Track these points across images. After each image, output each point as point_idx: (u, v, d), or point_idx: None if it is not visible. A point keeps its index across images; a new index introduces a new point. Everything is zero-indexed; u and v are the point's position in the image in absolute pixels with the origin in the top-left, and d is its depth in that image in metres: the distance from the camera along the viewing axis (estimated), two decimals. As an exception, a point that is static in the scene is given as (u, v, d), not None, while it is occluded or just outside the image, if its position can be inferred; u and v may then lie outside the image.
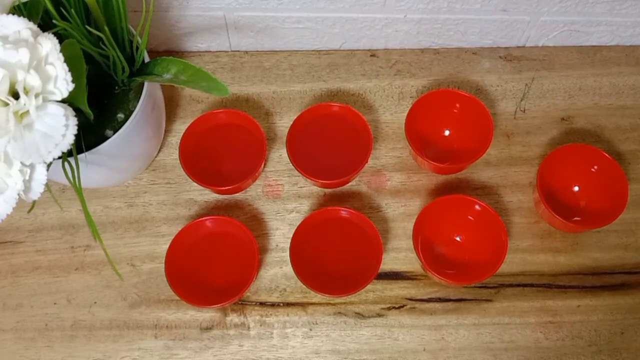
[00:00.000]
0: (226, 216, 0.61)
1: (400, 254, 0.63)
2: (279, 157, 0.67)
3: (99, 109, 0.56)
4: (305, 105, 0.70)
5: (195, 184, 0.63)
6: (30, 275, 0.62)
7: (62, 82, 0.42)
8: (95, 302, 0.61)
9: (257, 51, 0.73)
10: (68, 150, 0.43)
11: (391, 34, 0.71)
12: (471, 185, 0.66)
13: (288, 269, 0.61)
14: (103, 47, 0.52)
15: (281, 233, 0.64)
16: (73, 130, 0.42)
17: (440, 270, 0.60)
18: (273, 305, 0.61)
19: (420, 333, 0.60)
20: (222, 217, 0.61)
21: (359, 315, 0.61)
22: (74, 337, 0.60)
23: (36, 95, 0.41)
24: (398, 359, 0.59)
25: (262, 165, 0.63)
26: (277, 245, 0.64)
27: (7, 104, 0.41)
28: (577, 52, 0.73)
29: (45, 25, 0.51)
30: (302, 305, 0.61)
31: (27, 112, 0.42)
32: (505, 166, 0.67)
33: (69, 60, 0.42)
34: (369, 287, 0.60)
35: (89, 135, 0.54)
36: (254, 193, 0.66)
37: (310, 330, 0.60)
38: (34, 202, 0.45)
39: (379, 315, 0.61)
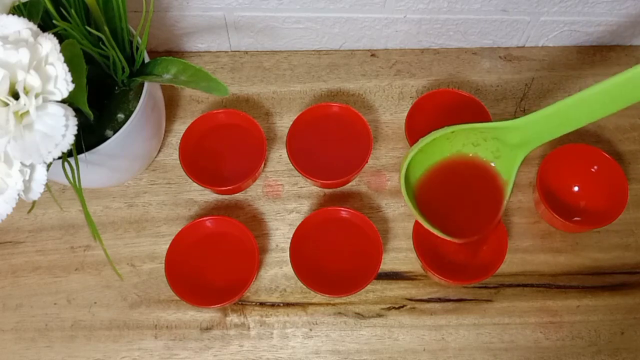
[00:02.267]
0: (226, 216, 0.61)
1: (400, 254, 0.63)
2: (279, 157, 0.67)
3: (99, 109, 0.56)
4: (305, 105, 0.70)
5: (195, 184, 0.63)
6: (30, 276, 0.62)
7: (62, 82, 0.42)
8: (95, 302, 0.61)
9: (257, 51, 0.73)
10: (68, 150, 0.43)
11: (391, 34, 0.71)
12: (471, 185, 0.66)
13: (288, 269, 0.61)
14: (103, 47, 0.52)
15: (281, 233, 0.64)
16: (73, 130, 0.42)
17: (440, 270, 0.60)
18: (273, 305, 0.61)
19: (420, 333, 0.60)
20: (222, 217, 0.61)
21: (359, 316, 0.61)
22: (74, 337, 0.60)
23: (36, 96, 0.41)
24: (398, 359, 0.59)
25: (262, 165, 0.63)
26: (277, 245, 0.64)
27: (7, 104, 0.41)
28: (577, 52, 0.73)
29: (45, 25, 0.51)
30: (302, 305, 0.61)
31: (27, 112, 0.42)
32: (505, 166, 0.67)
33: (69, 61, 0.42)
34: (369, 287, 0.60)
35: (89, 135, 0.54)
36: (254, 193, 0.66)
37: (310, 330, 0.60)
38: (34, 202, 0.45)
39: (379, 315, 0.61)
